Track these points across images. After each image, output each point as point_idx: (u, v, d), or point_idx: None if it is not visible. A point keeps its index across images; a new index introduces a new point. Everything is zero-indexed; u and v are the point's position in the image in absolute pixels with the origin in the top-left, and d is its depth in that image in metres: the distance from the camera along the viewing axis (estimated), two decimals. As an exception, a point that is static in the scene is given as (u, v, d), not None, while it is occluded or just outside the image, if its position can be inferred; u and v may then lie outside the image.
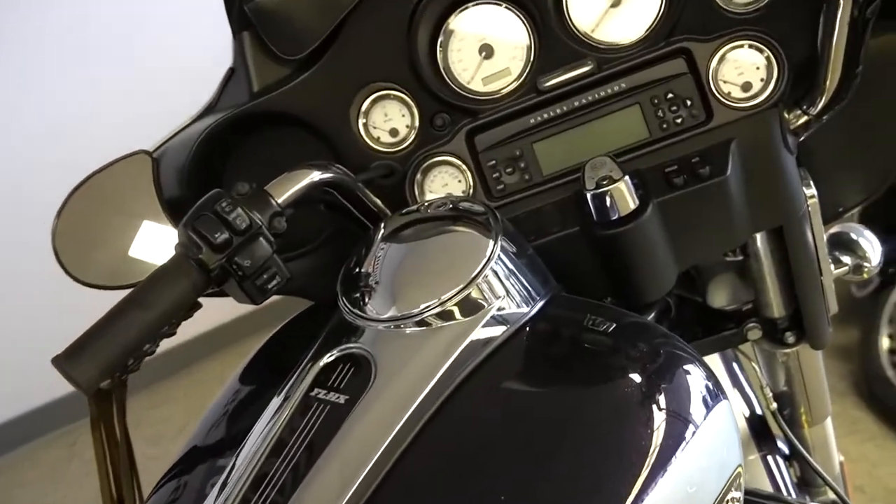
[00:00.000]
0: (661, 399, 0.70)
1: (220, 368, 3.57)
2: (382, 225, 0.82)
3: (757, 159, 0.88)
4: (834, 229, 1.08)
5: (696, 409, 0.71)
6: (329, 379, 0.73)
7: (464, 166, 0.93)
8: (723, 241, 0.91)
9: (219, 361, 3.61)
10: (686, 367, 0.74)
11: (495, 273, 0.75)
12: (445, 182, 0.95)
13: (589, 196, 0.83)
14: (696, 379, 0.73)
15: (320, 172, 0.82)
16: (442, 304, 0.72)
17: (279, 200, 0.78)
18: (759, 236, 0.96)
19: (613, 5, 0.90)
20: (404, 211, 0.84)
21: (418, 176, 0.94)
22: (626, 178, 0.82)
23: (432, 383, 0.69)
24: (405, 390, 0.69)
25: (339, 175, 0.84)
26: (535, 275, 0.80)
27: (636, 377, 0.71)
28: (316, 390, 0.72)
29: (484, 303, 0.74)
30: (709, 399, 0.72)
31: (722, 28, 0.88)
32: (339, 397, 0.70)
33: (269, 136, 0.95)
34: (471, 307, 0.74)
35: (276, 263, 0.76)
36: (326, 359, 0.74)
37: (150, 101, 2.79)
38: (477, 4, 0.91)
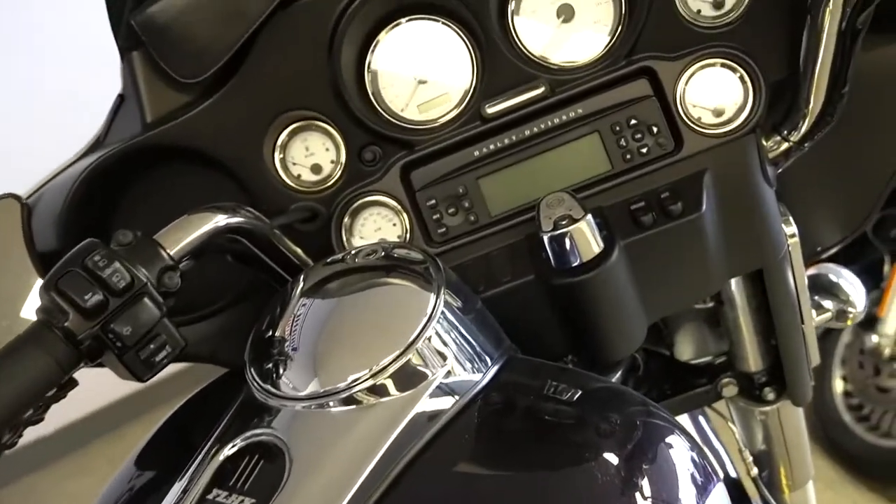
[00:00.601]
0: (645, 484, 0.58)
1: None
2: (301, 278, 0.69)
3: (733, 193, 0.77)
4: (810, 271, 0.98)
5: (687, 495, 0.58)
6: (232, 475, 0.58)
7: (399, 207, 0.80)
8: (698, 288, 0.80)
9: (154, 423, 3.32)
10: (669, 440, 0.62)
11: (438, 334, 0.62)
12: (378, 226, 0.82)
13: (545, 239, 0.71)
14: (682, 456, 0.61)
15: (225, 217, 0.68)
16: (374, 375, 0.59)
17: (171, 252, 0.64)
18: (733, 281, 0.86)
19: (565, 21, 0.79)
20: (328, 261, 0.70)
21: (346, 219, 0.81)
22: (589, 216, 0.70)
23: (362, 478, 0.56)
24: (327, 490, 0.55)
25: (249, 220, 0.70)
26: (487, 334, 0.68)
27: (612, 457, 0.59)
28: (215, 492, 0.57)
29: (426, 371, 0.61)
30: (700, 481, 0.60)
31: (690, 44, 0.77)
32: (242, 501, 0.55)
33: (167, 176, 0.81)
34: (410, 378, 0.60)
35: (167, 330, 0.61)
36: (228, 450, 0.59)
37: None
38: (410, 20, 0.79)
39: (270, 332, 0.65)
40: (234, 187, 0.80)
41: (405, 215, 0.80)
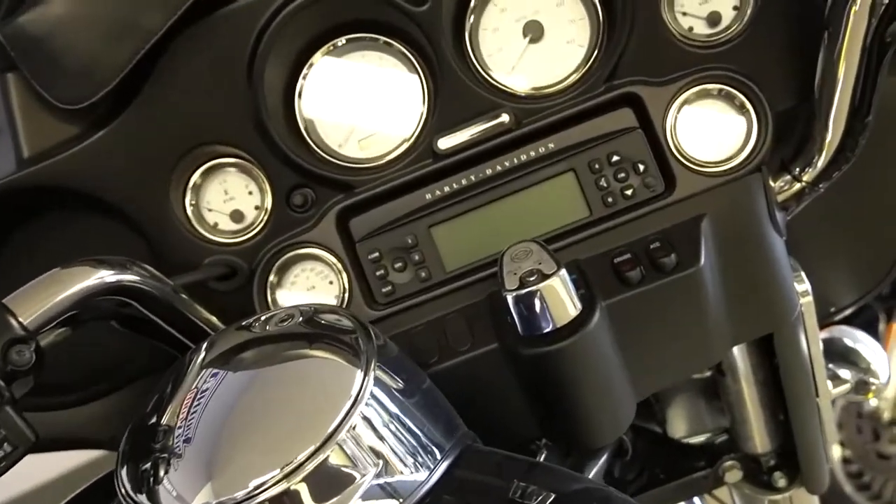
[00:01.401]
0: None
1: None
2: (202, 348, 0.54)
3: (737, 243, 0.65)
4: (823, 334, 0.85)
5: None
6: None
7: (335, 261, 0.67)
8: (696, 358, 0.67)
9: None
10: None
11: (369, 422, 0.47)
12: (311, 283, 0.68)
13: (510, 299, 0.58)
14: None
15: (108, 274, 0.55)
16: (286, 477, 0.45)
17: (25, 320, 0.50)
18: (735, 347, 0.72)
19: (533, 40, 0.68)
20: (237, 326, 0.56)
21: (272, 276, 0.67)
22: (563, 272, 0.57)
23: None
24: None
25: (143, 279, 0.56)
26: (435, 420, 0.54)
27: None
28: None
29: (352, 472, 0.46)
30: None
31: (681, 66, 0.65)
32: None
33: (54, 223, 0.67)
34: (331, 481, 0.47)
35: (7, 421, 0.47)
36: None
37: None
38: (349, 39, 0.66)
39: (155, 419, 0.50)
40: (138, 238, 0.66)
41: (343, 271, 0.67)
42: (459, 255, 0.67)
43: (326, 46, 0.67)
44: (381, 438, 0.48)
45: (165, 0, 0.60)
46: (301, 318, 0.53)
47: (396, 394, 0.50)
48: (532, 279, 0.57)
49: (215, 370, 0.52)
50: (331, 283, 0.68)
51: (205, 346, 0.55)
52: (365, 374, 0.49)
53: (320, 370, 0.51)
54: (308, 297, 0.68)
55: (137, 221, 0.66)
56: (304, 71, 0.67)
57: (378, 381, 0.49)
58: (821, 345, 0.77)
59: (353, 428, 0.46)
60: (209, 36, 0.63)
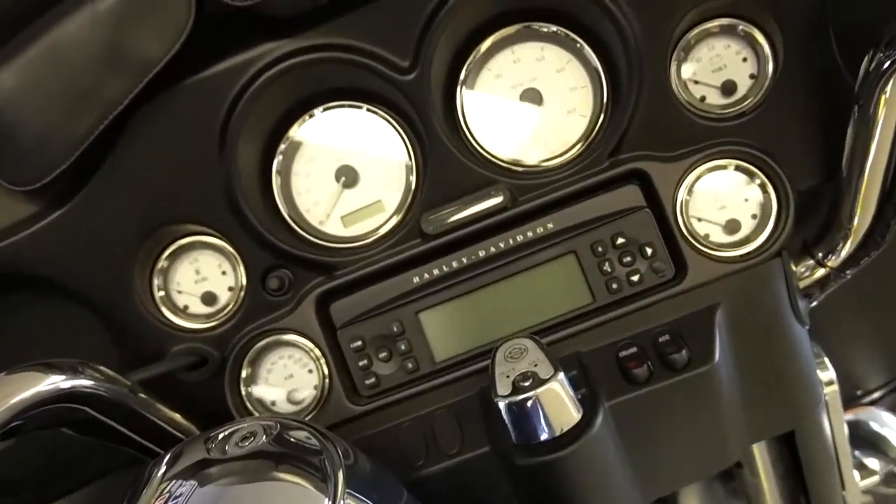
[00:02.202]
0: None
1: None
2: (163, 462, 0.48)
3: (755, 336, 0.59)
4: (847, 416, 0.78)
5: None
6: None
7: (314, 349, 0.61)
8: (710, 461, 0.62)
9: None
10: None
11: None
12: (289, 372, 0.63)
13: (502, 406, 0.51)
14: None
15: (51, 381, 0.49)
16: None
17: None
18: None
19: (532, 109, 0.61)
20: (200, 438, 0.50)
21: (245, 367, 0.61)
22: (561, 375, 0.51)
23: None
24: None
25: (92, 383, 0.51)
26: None
27: None
28: None
29: None
30: None
31: (693, 140, 0.60)
32: None
33: (10, 309, 0.61)
34: None
35: None
36: None
37: None
38: (327, 108, 0.61)
39: None
40: (100, 324, 0.61)
41: (323, 361, 0.61)
42: (450, 344, 0.61)
43: (304, 117, 0.62)
44: None
45: (127, 69, 0.55)
46: (264, 438, 0.48)
47: None
48: (527, 384, 0.51)
49: (175, 494, 0.47)
50: (310, 371, 0.62)
51: (165, 460, 0.49)
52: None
53: (285, 498, 0.45)
54: (286, 386, 0.63)
55: (99, 307, 0.60)
56: (283, 144, 0.62)
57: None
58: (846, 430, 0.71)
59: None
60: (177, 107, 0.58)
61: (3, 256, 0.59)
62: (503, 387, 0.52)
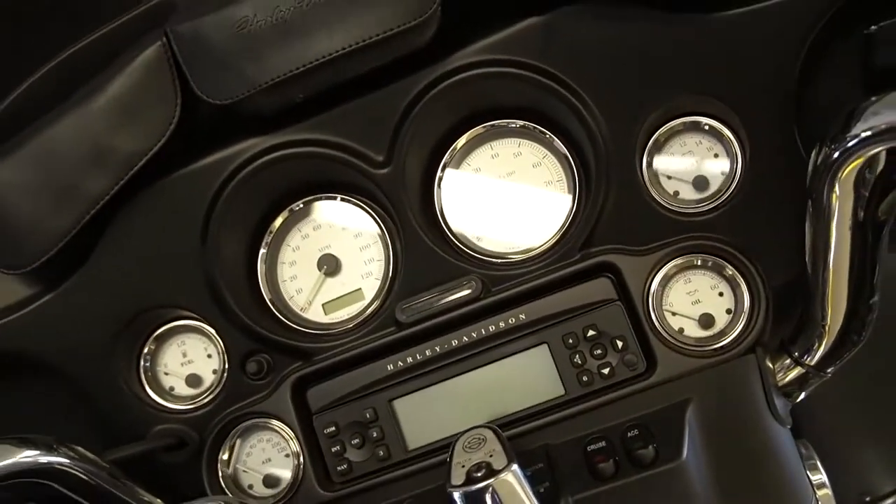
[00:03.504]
0: None
1: None
2: None
3: (728, 434, 0.57)
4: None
5: None
6: None
7: (291, 434, 0.62)
8: None
9: None
10: None
11: None
12: (267, 455, 0.64)
13: (456, 496, 0.51)
14: None
15: (13, 456, 0.51)
16: None
17: None
18: None
19: (506, 202, 0.63)
20: None
21: (223, 451, 0.63)
22: (514, 466, 0.50)
23: None
24: None
25: (66, 462, 0.53)
26: None
27: None
28: None
29: None
30: None
31: (663, 234, 0.60)
32: None
33: (3, 387, 0.65)
34: None
35: None
36: None
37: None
38: (310, 201, 0.64)
39: None
40: (80, 402, 0.63)
41: (297, 445, 0.62)
42: (422, 432, 0.62)
43: (286, 210, 0.65)
44: None
45: (112, 165, 0.59)
46: None
47: None
48: (479, 475, 0.51)
49: None
50: (286, 455, 0.63)
51: None
52: None
53: None
54: (264, 469, 0.64)
55: (83, 386, 0.63)
56: (266, 237, 0.65)
57: None
58: None
59: None
60: (161, 200, 0.62)
61: None
62: (457, 477, 0.52)
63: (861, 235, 0.51)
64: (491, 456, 0.52)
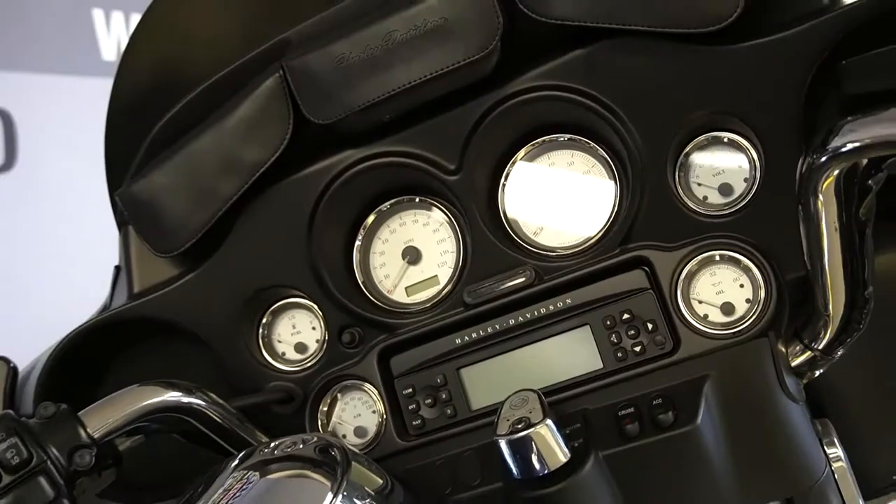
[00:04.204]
0: None
1: None
2: (236, 458, 0.64)
3: (742, 406, 0.66)
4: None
5: None
6: None
7: (376, 394, 0.75)
8: None
9: None
10: None
11: None
12: (358, 411, 0.78)
13: (500, 444, 0.62)
14: None
15: (159, 396, 0.66)
16: None
17: (92, 429, 0.63)
18: None
19: (559, 204, 0.74)
20: (265, 444, 0.65)
21: (322, 404, 0.77)
22: (549, 421, 0.62)
23: None
24: None
25: (190, 399, 0.68)
26: None
27: None
28: None
29: None
30: None
31: (691, 234, 0.69)
32: None
33: (157, 346, 0.81)
34: None
35: None
36: None
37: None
38: (395, 202, 0.77)
39: None
40: (213, 360, 0.79)
41: (382, 404, 0.75)
42: (484, 395, 0.73)
43: (376, 210, 0.78)
44: None
45: (239, 172, 0.74)
46: (301, 447, 0.62)
47: None
48: (520, 426, 0.62)
49: (240, 477, 0.62)
50: (373, 412, 0.76)
51: (238, 457, 0.65)
52: (334, 496, 0.56)
53: (294, 485, 0.59)
54: (356, 423, 0.77)
55: (215, 349, 0.78)
56: (361, 229, 0.78)
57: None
58: None
59: None
60: (278, 200, 0.76)
61: (149, 307, 0.78)
62: (502, 428, 0.64)
63: (848, 235, 0.59)
64: (531, 413, 0.64)
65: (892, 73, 0.51)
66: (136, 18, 2.58)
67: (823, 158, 0.56)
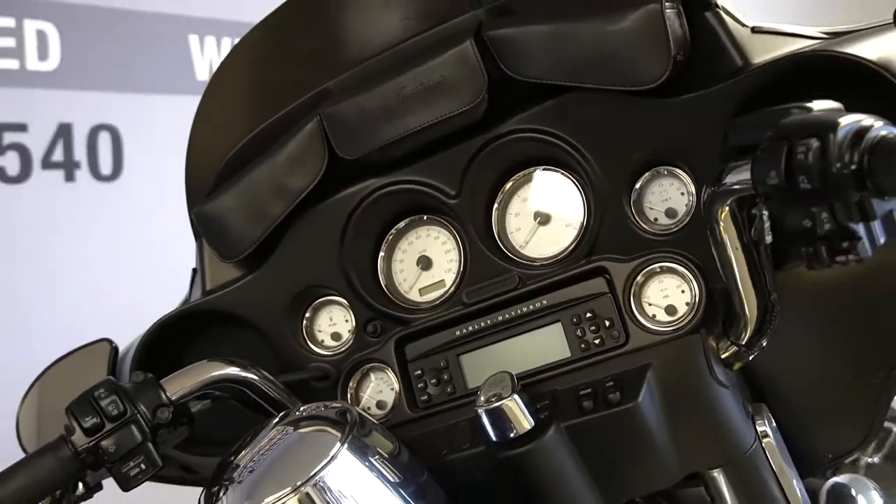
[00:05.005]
0: None
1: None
2: (277, 417, 0.83)
3: (677, 389, 0.80)
4: (842, 478, 0.94)
5: None
6: None
7: (393, 375, 0.93)
8: (651, 478, 0.82)
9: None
10: None
11: (334, 482, 0.71)
12: (379, 388, 0.95)
13: (479, 412, 0.80)
14: None
15: (223, 369, 0.86)
16: (279, 499, 0.70)
17: (170, 392, 0.82)
18: (721, 473, 0.85)
19: (542, 223, 0.91)
20: (299, 408, 0.84)
21: (351, 382, 0.95)
22: (515, 396, 0.78)
23: None
24: None
25: (246, 373, 0.87)
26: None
27: None
28: None
29: None
30: None
31: (642, 249, 0.85)
32: None
33: (224, 332, 1.02)
34: None
35: (148, 452, 0.79)
36: None
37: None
38: (408, 222, 0.95)
39: (232, 458, 0.79)
40: (267, 345, 0.99)
41: (397, 383, 0.93)
42: (477, 376, 0.89)
43: (396, 226, 0.96)
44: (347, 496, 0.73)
45: (285, 195, 0.94)
46: (323, 409, 0.81)
47: (388, 481, 0.75)
48: (493, 399, 0.80)
49: (281, 430, 0.81)
50: (391, 389, 0.94)
51: (279, 417, 0.84)
52: (341, 445, 0.74)
53: (313, 436, 0.77)
54: (377, 398, 0.95)
55: (267, 335, 0.98)
56: (385, 241, 0.97)
57: (371, 465, 0.74)
58: (825, 488, 0.88)
59: (316, 483, 0.72)
60: (316, 218, 0.95)
61: (217, 302, 0.98)
62: (480, 402, 0.81)
63: (748, 253, 0.74)
64: (503, 389, 0.80)
65: (754, 133, 0.66)
66: (225, 42, 2.86)
67: (715, 194, 0.71)
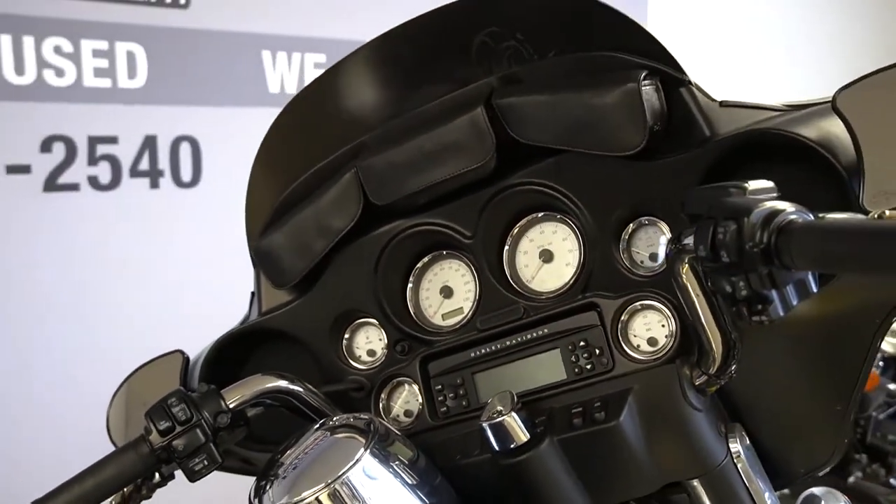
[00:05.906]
0: None
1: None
2: (318, 423, 0.99)
3: (655, 411, 0.92)
4: (816, 490, 1.05)
5: None
6: None
7: (418, 389, 1.08)
8: (634, 487, 0.94)
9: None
10: None
11: (356, 482, 0.85)
12: (407, 400, 1.10)
13: (485, 426, 0.94)
14: None
15: (273, 382, 1.02)
16: (312, 494, 0.83)
17: (228, 401, 0.99)
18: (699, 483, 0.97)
19: (546, 261, 1.04)
20: (337, 416, 1.00)
21: (382, 395, 1.11)
22: (513, 413, 0.92)
23: None
24: None
25: (293, 386, 1.04)
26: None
27: None
28: None
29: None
30: None
31: (629, 287, 0.97)
32: None
33: (277, 347, 1.18)
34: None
35: (210, 451, 0.95)
36: None
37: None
38: (431, 256, 1.10)
39: (279, 456, 0.95)
40: (312, 359, 1.15)
41: (422, 396, 1.08)
42: (489, 392, 1.03)
43: (423, 259, 1.11)
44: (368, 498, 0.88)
45: (325, 234, 1.09)
46: (352, 420, 0.96)
47: (407, 483, 0.89)
48: (495, 415, 0.94)
49: (319, 435, 0.97)
50: (417, 400, 1.09)
51: (318, 424, 1.00)
52: (365, 450, 0.89)
53: (341, 441, 0.93)
54: (405, 408, 1.10)
55: (313, 351, 1.14)
56: (414, 271, 1.12)
57: (393, 471, 0.87)
58: (800, 500, 0.99)
59: (345, 481, 0.87)
60: (353, 254, 1.11)
61: (270, 323, 1.15)
62: (485, 416, 0.95)
63: (708, 299, 0.84)
64: (505, 406, 0.94)
65: (700, 206, 0.78)
66: (295, 56, 3.05)
67: (675, 250, 0.84)
